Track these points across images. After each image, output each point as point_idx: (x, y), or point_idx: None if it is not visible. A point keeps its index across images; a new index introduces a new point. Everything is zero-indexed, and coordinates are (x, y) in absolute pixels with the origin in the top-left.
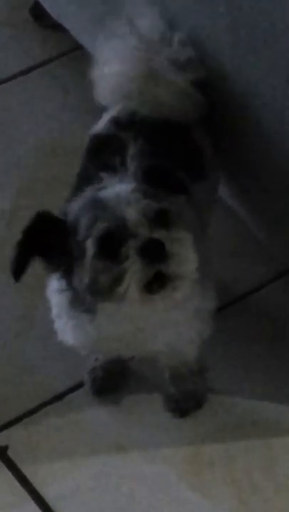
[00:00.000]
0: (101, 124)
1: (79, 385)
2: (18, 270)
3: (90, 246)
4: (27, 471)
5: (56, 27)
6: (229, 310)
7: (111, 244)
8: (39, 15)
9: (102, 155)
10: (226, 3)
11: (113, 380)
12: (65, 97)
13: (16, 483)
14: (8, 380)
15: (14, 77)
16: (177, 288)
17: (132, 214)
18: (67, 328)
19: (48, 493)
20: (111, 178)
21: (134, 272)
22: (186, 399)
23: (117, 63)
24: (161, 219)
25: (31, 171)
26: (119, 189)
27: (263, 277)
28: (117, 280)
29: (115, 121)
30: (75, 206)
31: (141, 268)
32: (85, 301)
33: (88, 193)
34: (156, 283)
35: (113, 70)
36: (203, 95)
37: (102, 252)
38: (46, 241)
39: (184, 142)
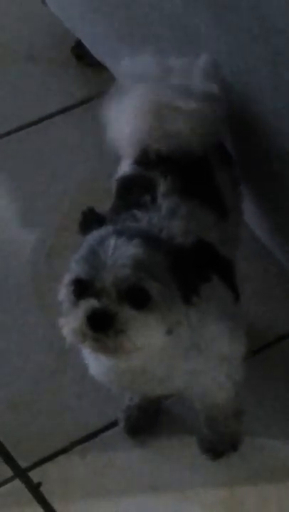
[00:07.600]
0: (124, 168)
1: (113, 424)
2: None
3: (67, 279)
4: (59, 508)
5: (98, 66)
6: (264, 353)
7: (78, 289)
8: (81, 54)
9: (132, 193)
10: (269, 48)
11: (147, 420)
12: (105, 136)
13: None
14: (43, 418)
15: (55, 114)
16: (123, 346)
17: (105, 278)
18: (91, 361)
19: None
20: (143, 214)
21: (79, 325)
22: (221, 441)
23: (125, 115)
24: (133, 294)
25: (72, 209)
26: (116, 243)
27: None
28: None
29: (139, 163)
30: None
31: (83, 328)
32: None
33: (94, 234)
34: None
35: (123, 123)
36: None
37: (72, 292)
38: None
39: (207, 180)
